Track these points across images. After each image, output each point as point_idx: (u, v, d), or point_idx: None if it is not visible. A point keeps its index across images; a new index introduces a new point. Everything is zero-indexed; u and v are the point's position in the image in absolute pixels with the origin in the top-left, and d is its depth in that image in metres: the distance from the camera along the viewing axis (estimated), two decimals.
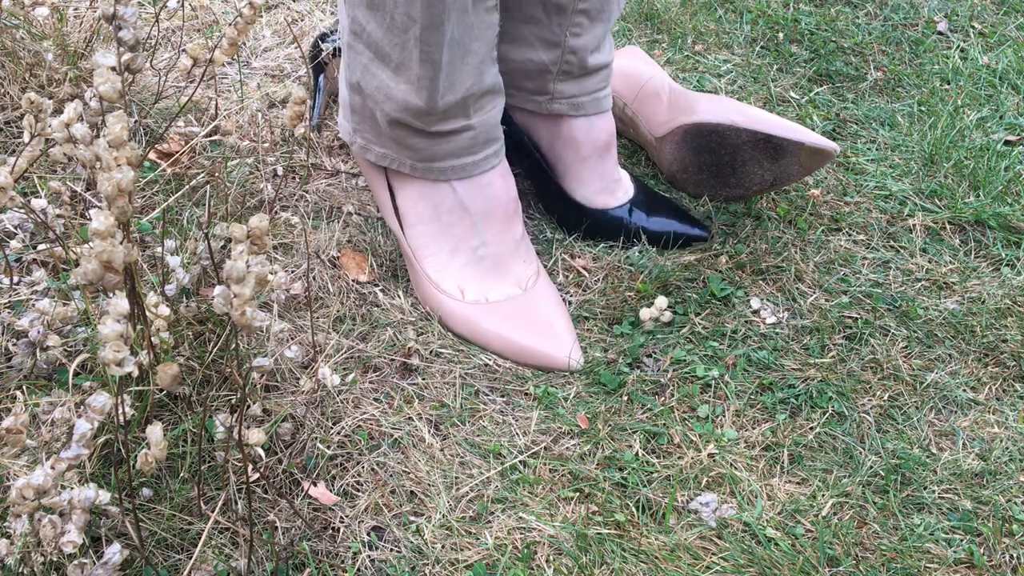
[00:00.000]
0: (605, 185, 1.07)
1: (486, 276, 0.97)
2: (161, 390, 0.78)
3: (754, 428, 0.89)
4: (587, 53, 1.02)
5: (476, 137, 0.94)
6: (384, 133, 0.95)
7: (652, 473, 0.84)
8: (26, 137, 0.71)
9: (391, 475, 0.81)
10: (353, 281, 0.99)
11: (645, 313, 0.97)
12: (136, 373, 0.55)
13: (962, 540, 0.80)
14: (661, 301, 0.96)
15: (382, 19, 0.87)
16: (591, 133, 1.06)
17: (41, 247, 0.90)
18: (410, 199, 0.98)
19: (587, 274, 1.05)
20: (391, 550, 0.76)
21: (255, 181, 1.08)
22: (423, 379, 0.90)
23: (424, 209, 0.97)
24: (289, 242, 1.02)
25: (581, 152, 1.06)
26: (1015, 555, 0.80)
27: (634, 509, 0.80)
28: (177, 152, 1.07)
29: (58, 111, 0.96)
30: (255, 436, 0.63)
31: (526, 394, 0.90)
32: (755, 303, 1.02)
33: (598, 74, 1.05)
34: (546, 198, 1.11)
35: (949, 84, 1.44)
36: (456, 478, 0.81)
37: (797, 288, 1.04)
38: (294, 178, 1.12)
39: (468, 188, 0.96)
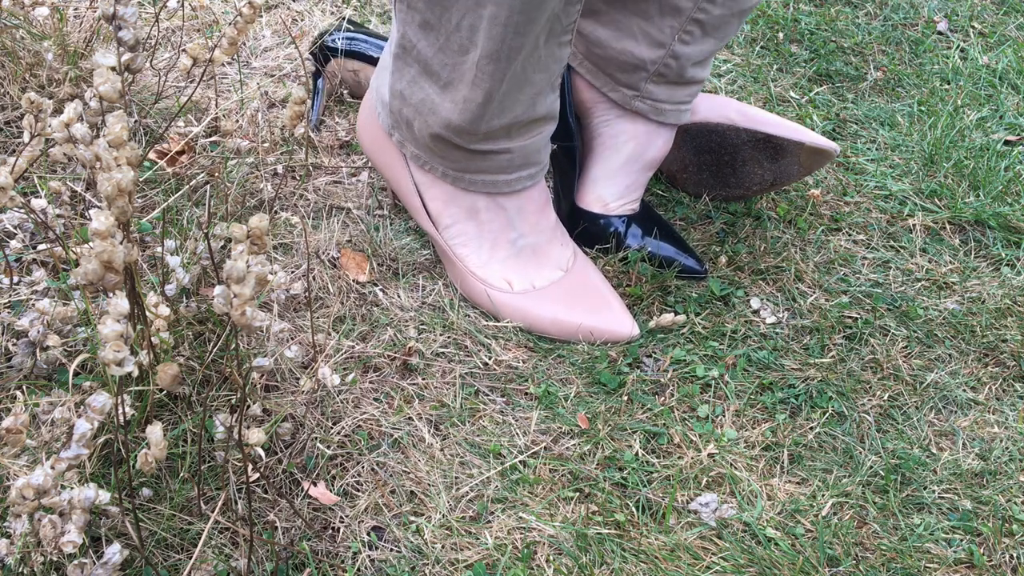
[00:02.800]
0: (623, 191, 1.05)
1: (528, 265, 0.98)
2: (161, 390, 0.78)
3: (754, 428, 0.89)
4: (689, 63, 1.00)
5: (512, 160, 0.94)
6: (420, 140, 0.95)
7: (652, 473, 0.84)
8: (26, 137, 0.71)
9: (391, 475, 0.81)
10: (353, 281, 0.99)
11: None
12: (136, 373, 0.55)
13: (962, 540, 0.80)
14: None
15: (435, 40, 0.86)
16: (649, 145, 1.05)
17: (41, 247, 0.90)
18: (441, 201, 0.98)
19: None
20: (391, 550, 0.76)
21: (255, 181, 1.08)
22: (423, 379, 0.90)
23: (458, 210, 0.98)
24: (289, 242, 1.02)
25: (630, 155, 1.05)
26: (1015, 555, 0.80)
27: (634, 509, 0.80)
28: (177, 149, 1.07)
29: (58, 111, 0.96)
30: (255, 436, 0.63)
31: (526, 394, 0.90)
32: (755, 303, 1.02)
33: (691, 87, 1.03)
34: (555, 192, 1.10)
35: (949, 84, 1.44)
36: (456, 478, 0.81)
37: (797, 288, 1.04)
38: (294, 178, 1.12)
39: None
